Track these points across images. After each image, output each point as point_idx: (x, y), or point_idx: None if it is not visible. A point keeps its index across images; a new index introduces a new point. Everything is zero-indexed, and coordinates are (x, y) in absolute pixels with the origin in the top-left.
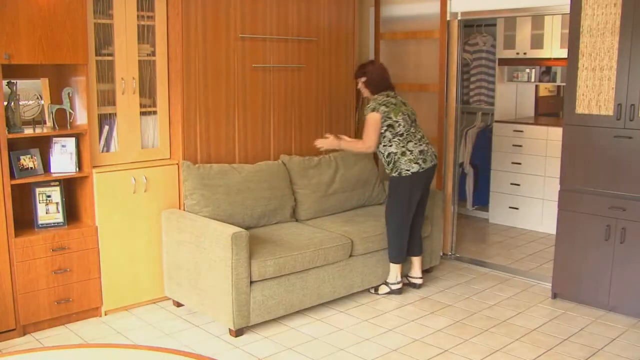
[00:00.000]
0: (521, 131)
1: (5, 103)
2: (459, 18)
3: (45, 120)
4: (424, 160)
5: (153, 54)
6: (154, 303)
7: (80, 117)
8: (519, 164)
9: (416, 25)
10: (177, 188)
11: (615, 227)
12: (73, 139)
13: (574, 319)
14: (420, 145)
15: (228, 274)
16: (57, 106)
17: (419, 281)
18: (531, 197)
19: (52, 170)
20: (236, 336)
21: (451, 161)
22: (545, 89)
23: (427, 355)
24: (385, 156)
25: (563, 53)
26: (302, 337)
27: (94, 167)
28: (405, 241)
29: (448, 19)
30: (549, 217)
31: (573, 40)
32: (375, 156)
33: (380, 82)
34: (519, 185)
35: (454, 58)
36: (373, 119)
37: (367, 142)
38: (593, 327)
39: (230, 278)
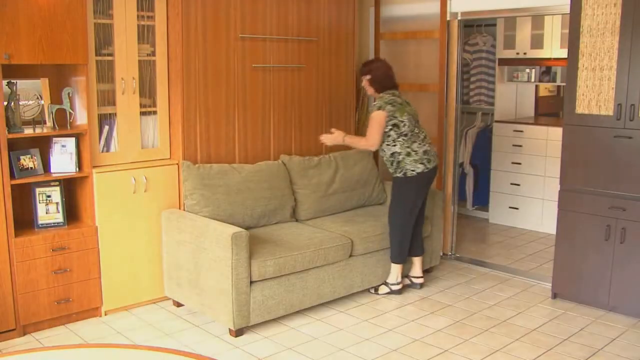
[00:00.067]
0: (521, 131)
1: (5, 103)
2: (459, 18)
3: (45, 120)
4: (429, 161)
5: (153, 54)
6: (154, 303)
7: (80, 117)
8: (519, 164)
9: (416, 25)
10: (177, 188)
11: (615, 227)
12: (73, 139)
13: (574, 319)
14: (424, 145)
15: (228, 274)
16: (57, 106)
17: (420, 280)
18: (531, 197)
19: (52, 170)
20: (236, 336)
21: (451, 161)
22: (545, 89)
23: (427, 355)
24: (388, 156)
25: (563, 53)
26: (302, 337)
27: (94, 167)
28: (408, 241)
29: (448, 19)
30: (549, 217)
31: (573, 40)
32: (375, 156)
33: (385, 80)
34: (519, 185)
35: (454, 58)
36: (378, 117)
37: (371, 140)
38: (593, 327)
39: (230, 278)
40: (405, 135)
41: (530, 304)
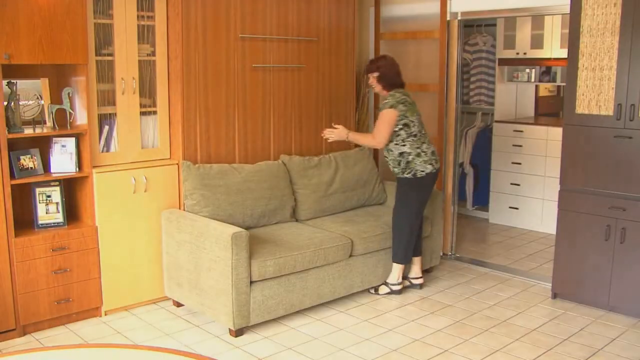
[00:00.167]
0: (521, 131)
1: (5, 103)
2: (459, 18)
3: (45, 120)
4: (436, 161)
5: (153, 54)
6: (154, 303)
7: (80, 117)
8: (519, 164)
9: (416, 25)
10: (177, 188)
11: (615, 227)
12: (73, 139)
13: (574, 319)
14: (430, 146)
15: (228, 274)
16: (57, 106)
17: (420, 281)
18: (531, 197)
19: (52, 170)
20: (236, 336)
21: (451, 161)
22: (545, 89)
23: (427, 355)
24: (396, 155)
25: (563, 53)
26: (302, 337)
27: (94, 167)
28: (413, 242)
29: (448, 19)
30: (549, 217)
31: (573, 40)
32: (375, 156)
33: (394, 77)
34: (519, 185)
35: (454, 58)
36: (389, 116)
37: (379, 138)
38: (593, 327)
39: (230, 278)
40: (415, 135)
41: (530, 304)
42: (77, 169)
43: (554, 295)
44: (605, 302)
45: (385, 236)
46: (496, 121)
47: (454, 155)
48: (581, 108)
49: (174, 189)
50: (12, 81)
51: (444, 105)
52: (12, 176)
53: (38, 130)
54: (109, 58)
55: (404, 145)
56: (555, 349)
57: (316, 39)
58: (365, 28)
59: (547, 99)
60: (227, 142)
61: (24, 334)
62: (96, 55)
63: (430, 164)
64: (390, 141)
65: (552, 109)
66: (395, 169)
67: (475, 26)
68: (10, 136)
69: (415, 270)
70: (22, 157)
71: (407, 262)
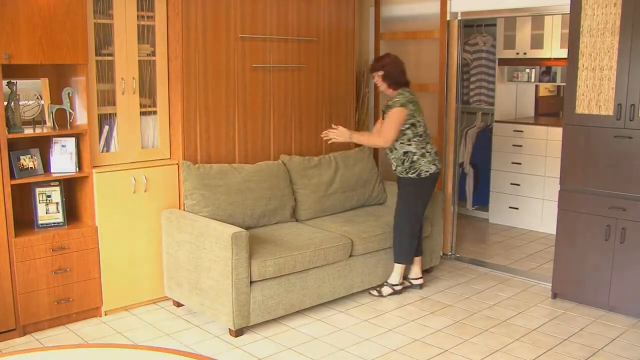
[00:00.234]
0: (521, 131)
1: (5, 103)
2: (459, 18)
3: (45, 120)
4: (438, 162)
5: (153, 54)
6: (154, 303)
7: (80, 117)
8: (519, 164)
9: (416, 25)
10: (177, 188)
11: (615, 227)
12: (73, 139)
13: (574, 319)
14: (433, 146)
15: (228, 274)
16: (57, 106)
17: (420, 281)
18: (531, 197)
19: (52, 170)
20: (236, 336)
21: (451, 161)
22: (545, 89)
23: (427, 355)
24: (400, 154)
25: (563, 53)
26: (302, 337)
27: (94, 167)
28: (414, 242)
29: (448, 19)
30: (549, 217)
31: (573, 40)
32: (375, 156)
33: (399, 75)
34: (519, 185)
35: (454, 58)
36: (399, 115)
37: (387, 137)
38: (593, 327)
39: (230, 278)
40: (420, 135)
41: (530, 304)
42: (77, 169)
43: (554, 295)
44: (605, 302)
45: (385, 236)
46: (496, 121)
47: (454, 155)
48: (581, 108)
49: (174, 189)
50: (12, 81)
51: (444, 105)
52: (12, 176)
53: (38, 130)
54: (109, 58)
55: (409, 145)
56: (555, 349)
57: (316, 39)
58: (365, 28)
59: (547, 99)
60: (227, 142)
61: (24, 334)
62: (96, 55)
63: (434, 164)
64: (396, 140)
65: (552, 109)
66: (399, 168)
67: (475, 26)
68: (10, 136)
69: (415, 271)
70: (22, 157)
71: (409, 263)
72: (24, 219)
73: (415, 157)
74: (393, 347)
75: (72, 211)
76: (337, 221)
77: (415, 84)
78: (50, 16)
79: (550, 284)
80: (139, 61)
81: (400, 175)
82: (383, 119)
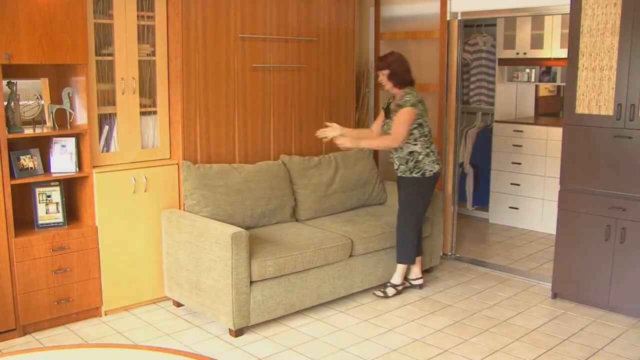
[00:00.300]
0: (521, 131)
1: (5, 103)
2: (459, 18)
3: (45, 120)
4: (440, 161)
5: (153, 54)
6: (154, 303)
7: (80, 117)
8: (519, 164)
9: (416, 25)
10: (177, 188)
11: (615, 227)
12: (73, 139)
13: (574, 319)
14: (435, 146)
15: (228, 274)
16: (57, 106)
17: (420, 281)
18: (531, 197)
19: (52, 170)
20: (236, 336)
21: (451, 161)
22: (545, 89)
23: (427, 355)
24: (405, 154)
25: (563, 53)
26: (302, 337)
27: (94, 167)
28: (416, 242)
29: (448, 19)
30: (549, 217)
31: (573, 40)
32: (375, 156)
33: (405, 74)
34: (519, 185)
35: (454, 58)
36: (410, 115)
37: (399, 137)
38: (593, 327)
39: (230, 278)
40: (426, 135)
41: (530, 304)
42: (77, 169)
43: (554, 295)
44: (605, 302)
45: (385, 236)
46: (496, 121)
47: (454, 155)
48: (581, 108)
49: (174, 189)
50: (12, 81)
51: (444, 105)
52: (12, 176)
53: (38, 130)
54: (109, 58)
55: (415, 145)
56: (555, 349)
57: (316, 39)
58: (365, 28)
59: (547, 99)
60: (227, 142)
61: (24, 334)
62: (96, 55)
63: (437, 163)
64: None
65: (552, 109)
66: (402, 167)
67: (475, 26)
68: (10, 136)
69: (415, 271)
70: (22, 157)
71: (411, 263)
72: (24, 219)
73: (420, 157)
74: (393, 347)
75: (72, 211)
76: (337, 221)
77: (416, 84)
78: (50, 16)
79: (550, 284)
80: (139, 61)
81: (403, 175)
82: (387, 117)
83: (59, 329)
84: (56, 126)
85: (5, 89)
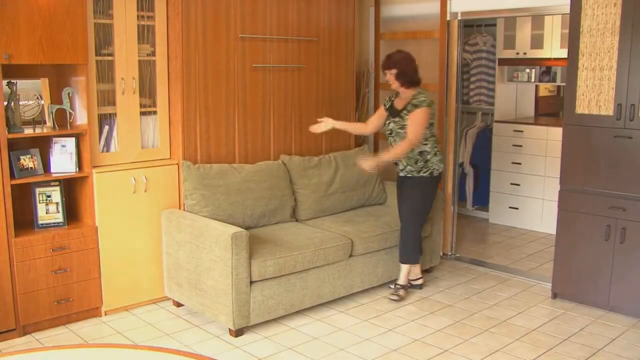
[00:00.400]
0: (521, 131)
1: (5, 103)
2: (459, 18)
3: (45, 120)
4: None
5: (153, 54)
6: (154, 303)
7: (80, 117)
8: (519, 164)
9: (416, 25)
10: (177, 188)
11: (615, 227)
12: (73, 139)
13: (574, 319)
14: (439, 146)
15: (228, 274)
16: (57, 106)
17: (420, 281)
18: (531, 197)
19: (52, 170)
20: (236, 336)
21: (451, 161)
22: (545, 89)
23: (427, 355)
24: (416, 154)
25: (563, 53)
26: (302, 337)
27: (94, 167)
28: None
29: (448, 19)
30: (549, 217)
31: (573, 40)
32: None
33: (414, 73)
34: (519, 185)
35: (454, 58)
36: (426, 115)
37: (417, 138)
38: (593, 327)
39: (230, 278)
40: (434, 135)
41: (530, 304)
42: (77, 169)
43: (554, 295)
44: (605, 302)
45: (385, 236)
46: (496, 121)
47: (454, 155)
48: (581, 108)
49: (174, 189)
50: (12, 81)
51: (444, 105)
52: (12, 176)
53: (38, 130)
54: (109, 58)
55: (425, 145)
56: (555, 349)
57: (316, 39)
58: (365, 28)
59: (547, 99)
60: (227, 142)
61: (24, 334)
62: (96, 55)
63: (442, 162)
64: None
65: (552, 109)
66: (409, 167)
67: (475, 26)
68: (10, 136)
69: (415, 271)
70: (22, 157)
71: (417, 262)
72: (24, 219)
73: (429, 157)
74: (393, 347)
75: (72, 211)
76: (337, 221)
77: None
78: (50, 16)
79: (550, 284)
80: (139, 61)
81: (410, 175)
82: (395, 116)
83: (59, 329)
84: (56, 126)
85: (5, 89)
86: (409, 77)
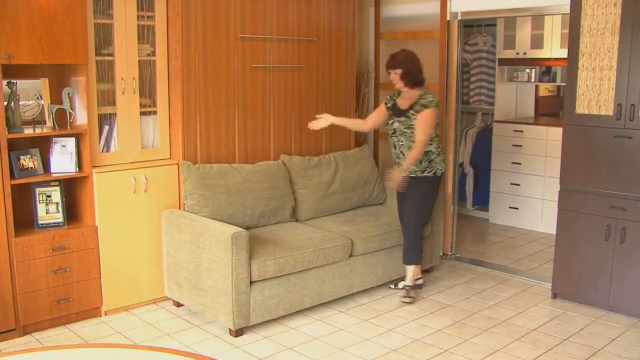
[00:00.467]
0: (521, 131)
1: (5, 103)
2: (459, 18)
3: (45, 120)
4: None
5: (153, 54)
6: (154, 303)
7: (80, 117)
8: (519, 164)
9: (416, 25)
10: (177, 188)
11: (615, 227)
12: (73, 139)
13: (574, 319)
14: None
15: (228, 274)
16: (57, 106)
17: (420, 281)
18: (531, 197)
19: (52, 170)
20: (236, 336)
21: (451, 161)
22: (545, 89)
23: (427, 355)
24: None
25: (563, 53)
26: (302, 337)
27: (94, 167)
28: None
29: (448, 19)
30: (549, 217)
31: (573, 40)
32: (375, 156)
33: (418, 73)
34: (519, 185)
35: (454, 58)
36: (434, 115)
37: (426, 139)
38: (593, 327)
39: (230, 278)
40: (437, 135)
41: (530, 304)
42: (77, 169)
43: (554, 295)
44: (605, 302)
45: (385, 236)
46: (496, 121)
47: (454, 155)
48: (581, 108)
49: (174, 189)
50: (12, 81)
51: (444, 105)
52: (12, 176)
53: (38, 130)
54: (109, 58)
55: (431, 145)
56: (555, 349)
57: (316, 39)
58: (365, 28)
59: (547, 99)
60: (227, 142)
61: (24, 334)
62: (96, 55)
63: (444, 162)
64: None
65: (552, 109)
66: (414, 167)
67: (475, 26)
68: (10, 136)
69: (416, 271)
70: (22, 157)
71: (420, 262)
72: (24, 219)
73: (433, 156)
74: (393, 347)
75: (72, 211)
76: (337, 221)
77: None
78: (50, 16)
79: (550, 284)
80: (139, 61)
81: (412, 175)
82: (401, 115)
83: (59, 329)
84: (56, 126)
85: (5, 89)
86: (414, 76)
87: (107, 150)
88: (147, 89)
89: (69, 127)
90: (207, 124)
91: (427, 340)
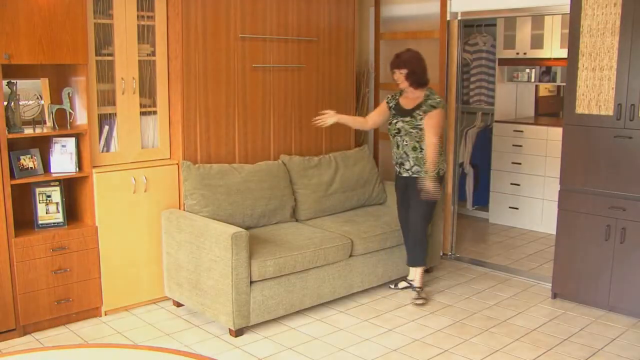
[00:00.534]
0: (521, 131)
1: (5, 103)
2: (459, 18)
3: (45, 120)
4: None
5: (153, 54)
6: (154, 303)
7: (80, 117)
8: (519, 164)
9: (416, 25)
10: (177, 188)
11: (615, 227)
12: (73, 139)
13: (574, 319)
14: None
15: (228, 274)
16: (57, 106)
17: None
18: (531, 197)
19: (52, 170)
20: (236, 336)
21: (451, 161)
22: (545, 89)
23: (427, 355)
24: (424, 155)
25: (563, 53)
26: (302, 337)
27: (94, 167)
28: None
29: (448, 19)
30: (549, 217)
31: (573, 40)
32: (375, 156)
33: (423, 73)
34: (519, 185)
35: (454, 58)
36: (444, 116)
37: (438, 139)
38: (593, 327)
39: (230, 278)
40: (441, 136)
41: (530, 304)
42: (77, 169)
43: (554, 295)
44: (605, 302)
45: (385, 236)
46: (496, 121)
47: (454, 155)
48: (581, 108)
49: (174, 189)
50: (12, 81)
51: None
52: (12, 176)
53: (38, 130)
54: (109, 58)
55: None
56: (555, 349)
57: (316, 39)
58: (365, 28)
59: (547, 99)
60: (227, 142)
61: (24, 334)
62: (96, 55)
63: (446, 162)
64: (422, 140)
65: (552, 109)
66: (415, 167)
67: (475, 26)
68: (10, 136)
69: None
70: (22, 157)
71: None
72: (24, 219)
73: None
74: (393, 347)
75: (72, 211)
76: (337, 221)
77: None
78: (50, 16)
79: (550, 284)
80: (139, 61)
81: (414, 175)
82: (407, 115)
83: (59, 329)
84: (56, 126)
85: (5, 89)
86: (419, 76)
87: (107, 150)
88: (147, 89)
89: (69, 127)
90: (207, 124)
91: (427, 340)
